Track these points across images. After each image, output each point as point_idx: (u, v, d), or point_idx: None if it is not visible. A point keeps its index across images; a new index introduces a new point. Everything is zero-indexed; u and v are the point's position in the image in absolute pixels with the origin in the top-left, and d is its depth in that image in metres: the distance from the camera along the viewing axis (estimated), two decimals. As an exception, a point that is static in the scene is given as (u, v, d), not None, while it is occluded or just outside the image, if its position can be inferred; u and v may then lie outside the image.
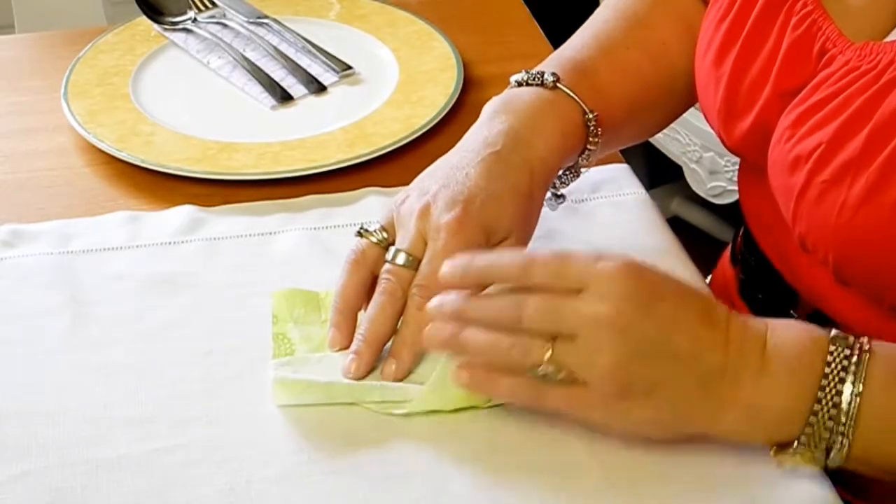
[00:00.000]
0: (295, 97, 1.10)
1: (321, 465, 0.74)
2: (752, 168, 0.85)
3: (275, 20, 1.19)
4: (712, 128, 0.86)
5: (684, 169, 1.97)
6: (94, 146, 1.03)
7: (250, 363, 0.81)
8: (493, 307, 0.72)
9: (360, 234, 0.82)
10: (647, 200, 0.97)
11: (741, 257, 0.92)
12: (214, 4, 1.21)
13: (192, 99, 1.10)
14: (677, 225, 2.04)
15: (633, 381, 0.69)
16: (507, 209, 0.81)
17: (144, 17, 1.19)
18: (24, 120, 1.09)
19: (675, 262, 0.90)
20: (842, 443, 0.68)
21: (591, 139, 0.88)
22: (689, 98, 0.94)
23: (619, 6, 0.94)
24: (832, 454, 0.68)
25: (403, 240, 0.80)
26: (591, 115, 0.87)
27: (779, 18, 0.79)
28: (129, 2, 1.20)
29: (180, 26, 1.19)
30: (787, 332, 0.70)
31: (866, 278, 0.73)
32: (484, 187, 0.81)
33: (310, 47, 1.15)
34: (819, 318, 0.83)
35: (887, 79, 0.71)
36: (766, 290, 0.88)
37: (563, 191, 0.91)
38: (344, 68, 1.13)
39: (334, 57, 1.14)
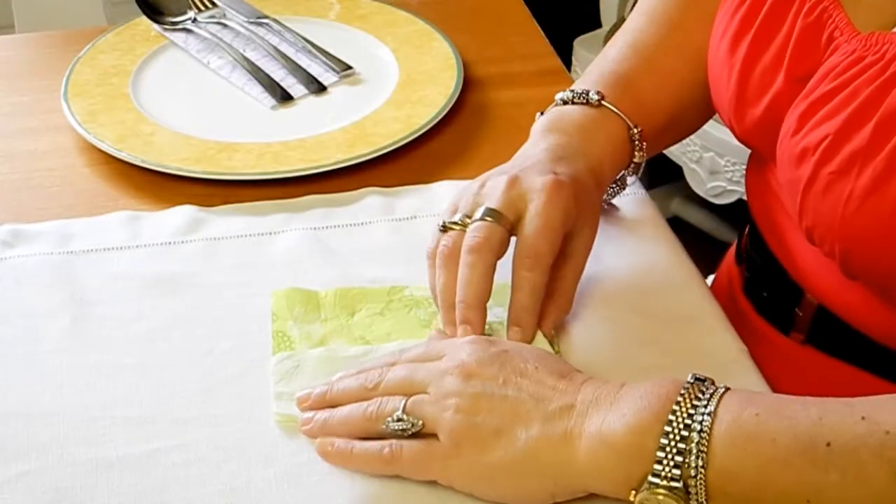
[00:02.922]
0: (295, 97, 1.10)
1: (321, 465, 0.74)
2: (761, 163, 0.85)
3: (275, 20, 1.19)
4: (722, 119, 0.86)
5: (684, 169, 1.97)
6: (94, 146, 1.03)
7: (250, 363, 0.81)
8: (357, 380, 0.75)
9: (444, 227, 0.81)
10: (647, 200, 0.97)
11: (746, 255, 0.92)
12: (214, 4, 1.21)
13: (192, 99, 1.10)
14: (677, 225, 2.04)
15: (480, 422, 0.70)
16: (585, 194, 0.82)
17: (144, 17, 1.19)
18: (24, 120, 1.09)
19: (675, 262, 0.90)
20: (697, 468, 0.65)
21: (636, 153, 0.90)
22: None
23: (653, 13, 0.95)
24: (691, 488, 0.66)
25: (491, 203, 0.80)
26: (635, 131, 0.89)
27: (793, 6, 0.79)
28: (129, 2, 1.20)
29: (180, 26, 1.19)
30: (645, 382, 0.70)
31: (873, 270, 0.73)
32: (562, 171, 0.82)
33: (310, 47, 1.15)
34: (823, 315, 0.83)
35: (894, 70, 0.71)
36: (771, 288, 0.88)
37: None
38: (344, 68, 1.13)
39: (334, 57, 1.14)
